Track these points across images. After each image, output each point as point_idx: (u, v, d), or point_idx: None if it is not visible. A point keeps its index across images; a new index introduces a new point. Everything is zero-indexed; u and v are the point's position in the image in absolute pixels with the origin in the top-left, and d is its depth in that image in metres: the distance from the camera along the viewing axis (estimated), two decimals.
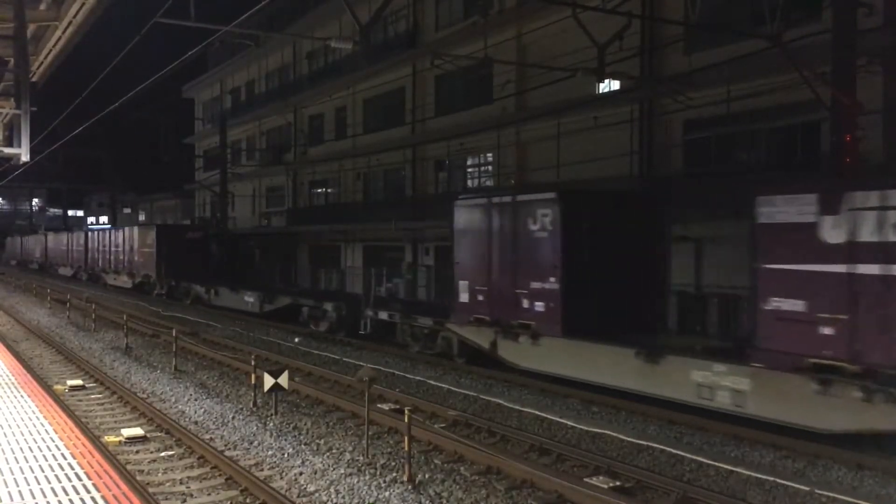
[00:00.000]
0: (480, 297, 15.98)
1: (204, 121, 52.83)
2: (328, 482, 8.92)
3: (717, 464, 9.83)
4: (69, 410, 11.54)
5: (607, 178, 21.34)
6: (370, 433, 10.16)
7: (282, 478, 9.18)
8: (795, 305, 10.57)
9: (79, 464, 8.15)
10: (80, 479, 7.62)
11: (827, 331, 10.22)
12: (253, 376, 12.87)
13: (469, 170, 28.62)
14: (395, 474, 9.20)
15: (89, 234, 47.28)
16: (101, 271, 43.97)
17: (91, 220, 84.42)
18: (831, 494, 8.70)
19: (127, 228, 39.84)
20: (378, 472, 9.29)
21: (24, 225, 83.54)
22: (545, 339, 14.34)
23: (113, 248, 40.94)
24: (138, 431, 10.94)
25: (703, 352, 12.30)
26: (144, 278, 36.60)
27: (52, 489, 7.35)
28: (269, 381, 11.83)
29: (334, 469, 9.39)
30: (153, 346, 20.09)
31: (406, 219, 28.92)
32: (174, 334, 17.08)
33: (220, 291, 29.80)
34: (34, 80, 13.04)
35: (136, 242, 37.44)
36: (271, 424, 11.57)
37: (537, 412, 12.67)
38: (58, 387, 14.13)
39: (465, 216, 16.68)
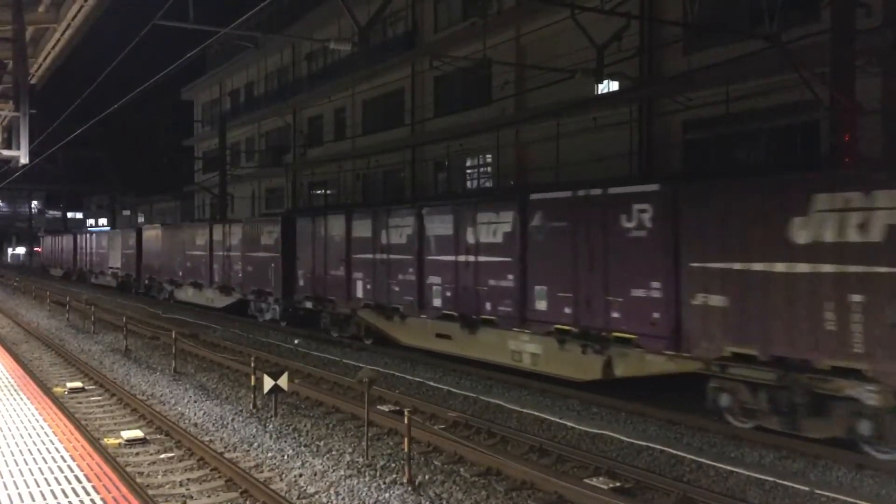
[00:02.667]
0: None
1: (203, 123, 52.88)
2: (328, 484, 8.92)
3: (717, 464, 9.83)
4: (69, 413, 11.54)
5: (607, 178, 21.34)
6: (370, 434, 10.16)
7: (282, 479, 9.18)
8: None
9: (78, 466, 8.14)
10: (79, 482, 7.62)
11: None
12: (252, 378, 12.87)
13: (468, 171, 28.63)
14: (394, 476, 9.20)
15: (298, 224, 23.10)
16: (395, 308, 18.55)
17: (90, 222, 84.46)
18: (831, 495, 8.69)
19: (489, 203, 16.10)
20: (378, 474, 9.28)
21: (25, 226, 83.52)
22: None
23: (440, 258, 17.03)
24: (138, 433, 10.93)
25: None
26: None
27: (52, 491, 7.34)
28: (268, 382, 11.82)
29: (334, 471, 9.39)
30: (153, 348, 20.09)
31: None
32: (174, 336, 17.07)
33: None
34: (33, 82, 13.04)
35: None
36: (271, 426, 11.56)
37: (537, 413, 12.66)
38: (57, 389, 14.13)
39: None
